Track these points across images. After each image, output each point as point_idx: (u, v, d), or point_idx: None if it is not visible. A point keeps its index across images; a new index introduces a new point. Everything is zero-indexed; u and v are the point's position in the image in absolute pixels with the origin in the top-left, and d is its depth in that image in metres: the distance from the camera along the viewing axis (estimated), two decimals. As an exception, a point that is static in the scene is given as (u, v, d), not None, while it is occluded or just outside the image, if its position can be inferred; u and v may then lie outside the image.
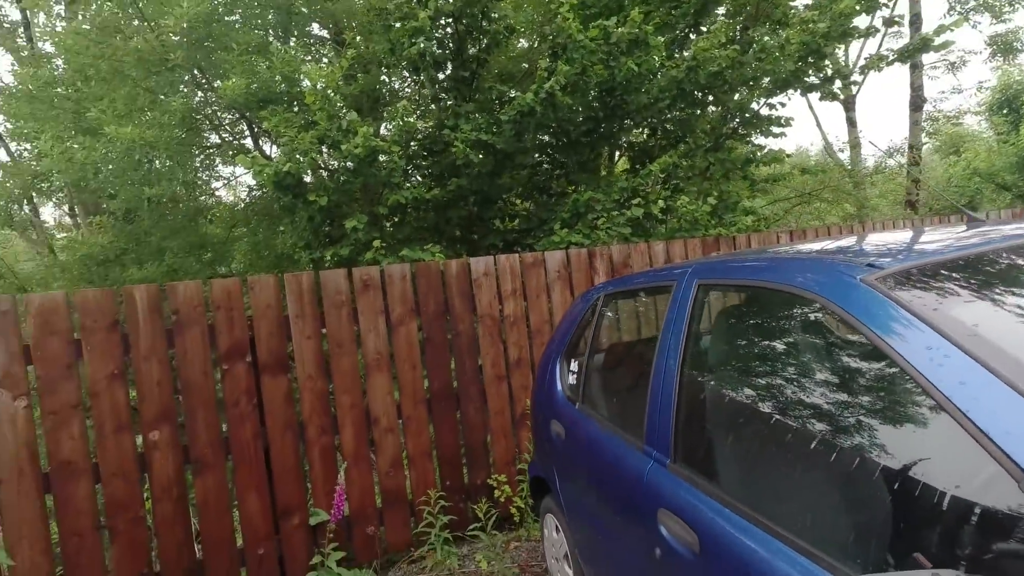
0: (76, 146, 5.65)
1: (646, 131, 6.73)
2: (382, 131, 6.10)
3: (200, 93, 6.44)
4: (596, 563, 1.94)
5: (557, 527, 2.44)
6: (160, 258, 6.12)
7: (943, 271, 1.18)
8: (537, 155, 6.10)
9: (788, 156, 6.77)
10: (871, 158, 17.08)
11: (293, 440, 2.81)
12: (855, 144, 13.99)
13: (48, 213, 12.73)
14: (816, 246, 1.63)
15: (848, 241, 1.68)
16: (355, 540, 2.97)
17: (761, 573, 1.10)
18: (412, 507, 3.13)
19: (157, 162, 6.09)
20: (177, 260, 6.15)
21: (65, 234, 9.63)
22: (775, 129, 6.42)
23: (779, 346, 1.44)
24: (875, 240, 1.60)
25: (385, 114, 6.20)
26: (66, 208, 10.60)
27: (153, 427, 2.53)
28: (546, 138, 5.92)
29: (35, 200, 9.50)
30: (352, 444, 2.96)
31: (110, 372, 2.46)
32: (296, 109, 5.44)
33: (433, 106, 5.97)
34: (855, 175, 10.46)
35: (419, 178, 5.83)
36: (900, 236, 1.60)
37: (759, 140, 6.68)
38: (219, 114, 6.73)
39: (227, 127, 7.04)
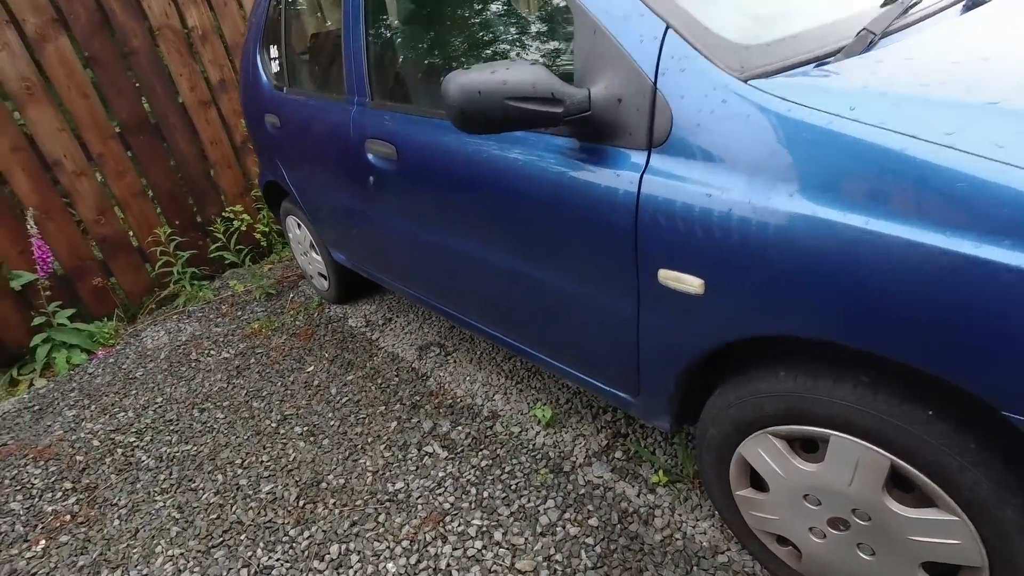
0: None
1: None
2: None
3: None
4: (333, 225, 2.18)
5: (299, 223, 2.59)
6: None
7: None
8: None
9: None
10: None
11: (-60, 197, 2.28)
12: None
13: None
14: None
15: None
16: (83, 295, 2.76)
17: (432, 141, 1.39)
18: (143, 252, 2.96)
19: None
20: None
21: None
22: None
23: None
24: None
25: None
26: None
27: None
28: None
29: None
30: (33, 193, 2.53)
31: None
32: None
33: None
34: None
35: None
36: None
37: None
38: None
39: None
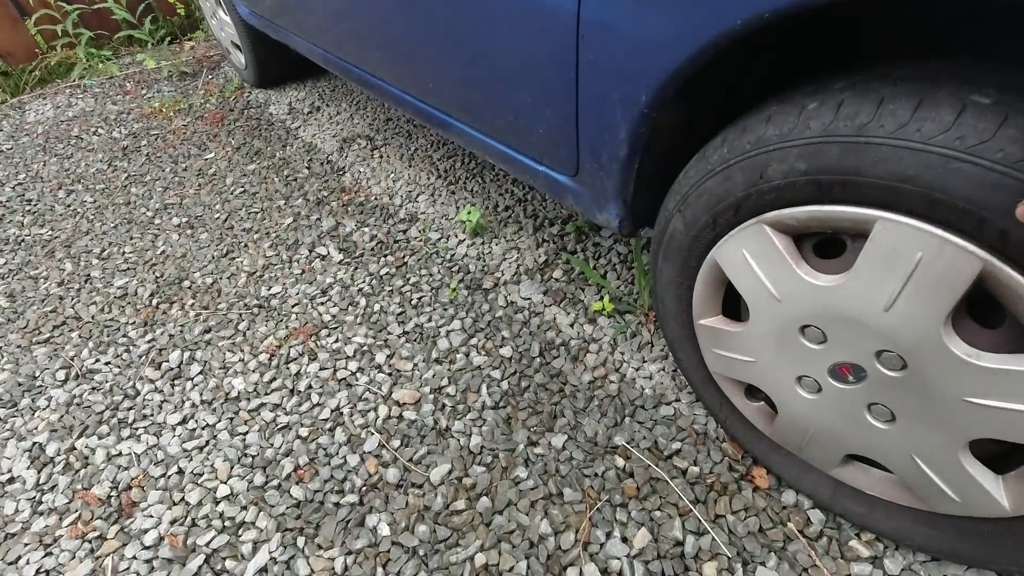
0: None
1: None
2: None
3: None
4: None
5: (200, -32, 1.98)
6: None
7: None
8: None
9: None
10: None
11: None
12: None
13: None
14: None
15: None
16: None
17: None
18: (18, 2, 2.35)
19: None
20: None
21: None
22: None
23: None
24: None
25: None
26: None
27: None
28: None
29: None
30: None
31: None
32: None
33: None
34: None
35: None
36: None
37: None
38: None
39: None
